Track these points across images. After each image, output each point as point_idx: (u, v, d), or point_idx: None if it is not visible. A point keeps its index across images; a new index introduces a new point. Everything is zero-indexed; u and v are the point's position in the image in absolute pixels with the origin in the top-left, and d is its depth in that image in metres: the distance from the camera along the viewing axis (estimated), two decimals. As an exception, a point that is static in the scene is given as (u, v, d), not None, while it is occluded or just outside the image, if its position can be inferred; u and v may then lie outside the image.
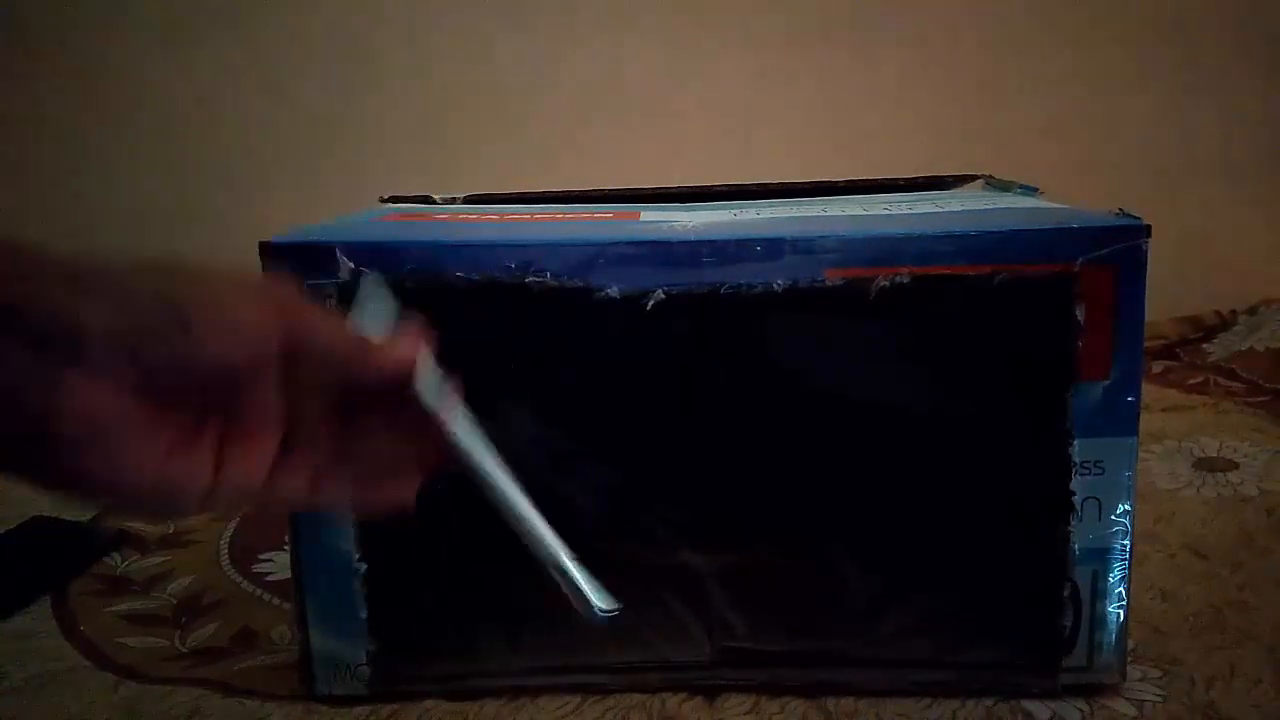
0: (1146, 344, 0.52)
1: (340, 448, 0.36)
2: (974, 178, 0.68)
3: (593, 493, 0.49)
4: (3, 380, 0.29)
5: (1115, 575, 0.48)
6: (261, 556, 0.69)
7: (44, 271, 0.30)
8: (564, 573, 0.38)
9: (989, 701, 0.50)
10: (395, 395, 0.36)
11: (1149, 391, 0.93)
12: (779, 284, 0.46)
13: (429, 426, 0.37)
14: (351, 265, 0.46)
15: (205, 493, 0.33)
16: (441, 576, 0.51)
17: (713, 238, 0.47)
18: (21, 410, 0.29)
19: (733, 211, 0.56)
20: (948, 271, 0.46)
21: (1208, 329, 1.17)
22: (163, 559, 0.71)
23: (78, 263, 0.31)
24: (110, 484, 0.31)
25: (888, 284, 0.46)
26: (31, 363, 0.29)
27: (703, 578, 0.50)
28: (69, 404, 0.29)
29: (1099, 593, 0.49)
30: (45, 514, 0.76)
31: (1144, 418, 0.47)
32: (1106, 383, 0.46)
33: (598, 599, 0.38)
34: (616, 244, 0.46)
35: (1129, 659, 0.51)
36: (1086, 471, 0.47)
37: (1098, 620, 0.49)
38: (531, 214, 0.57)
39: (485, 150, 1.21)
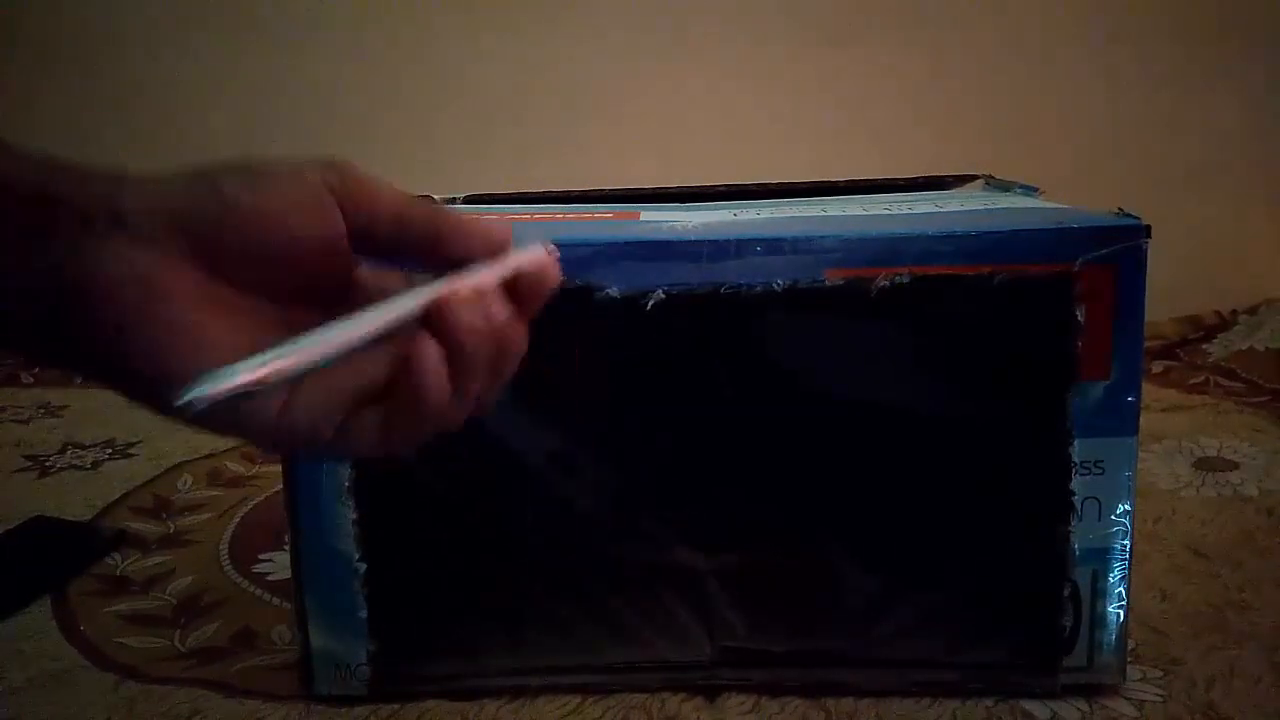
0: (1146, 344, 0.52)
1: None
2: (974, 178, 0.68)
3: (593, 492, 0.49)
4: (51, 257, 0.28)
5: (1115, 575, 0.48)
6: (261, 556, 0.69)
7: (82, 171, 0.30)
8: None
9: (989, 701, 0.50)
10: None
11: (1149, 391, 0.93)
12: (779, 284, 0.46)
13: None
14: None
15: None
16: (441, 576, 0.51)
17: (713, 238, 0.47)
18: (75, 287, 0.28)
19: (733, 211, 0.56)
20: (948, 271, 0.46)
21: (1208, 329, 1.17)
22: (163, 559, 0.71)
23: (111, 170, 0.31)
24: (185, 366, 0.28)
25: (888, 284, 0.46)
26: (77, 236, 0.28)
27: (703, 578, 0.50)
28: (116, 269, 0.28)
29: (1099, 593, 0.49)
30: (45, 514, 0.76)
31: (1144, 418, 0.47)
32: (1106, 383, 0.46)
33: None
34: (616, 244, 0.46)
35: (1129, 659, 0.51)
36: (1086, 471, 0.47)
37: (1098, 620, 0.49)
38: (531, 214, 0.57)
39: (485, 150, 1.21)
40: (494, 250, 0.33)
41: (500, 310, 0.32)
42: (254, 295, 0.31)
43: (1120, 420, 0.47)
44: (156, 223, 0.29)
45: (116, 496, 0.82)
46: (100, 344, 0.29)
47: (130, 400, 0.30)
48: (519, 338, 0.33)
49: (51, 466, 0.90)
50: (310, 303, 0.32)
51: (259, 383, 0.28)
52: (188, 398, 0.27)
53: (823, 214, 0.55)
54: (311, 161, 0.32)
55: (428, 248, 0.33)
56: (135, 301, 0.29)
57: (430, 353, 0.31)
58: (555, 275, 0.34)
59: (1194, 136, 1.21)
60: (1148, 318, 0.46)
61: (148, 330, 0.29)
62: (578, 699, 0.51)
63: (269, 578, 0.66)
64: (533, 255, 0.33)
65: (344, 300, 0.32)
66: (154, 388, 0.29)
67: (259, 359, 0.28)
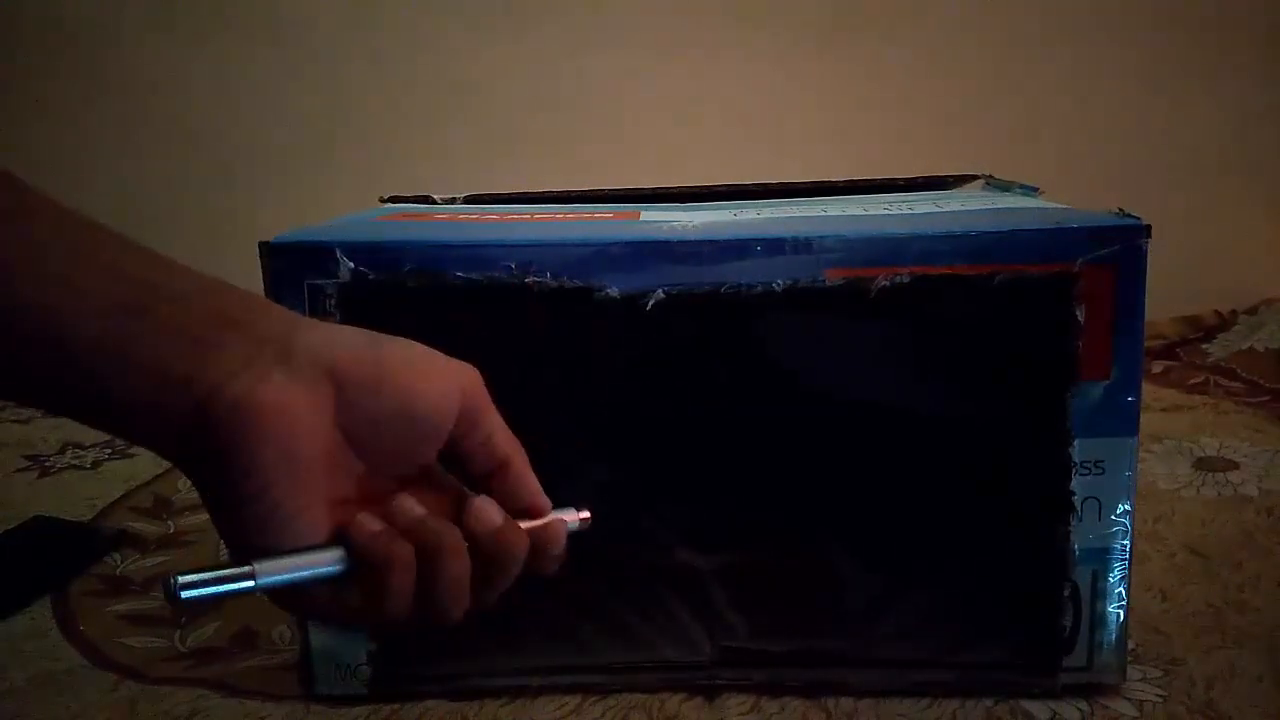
0: (1146, 344, 0.52)
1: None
2: (974, 178, 0.68)
3: (593, 492, 0.49)
4: (220, 367, 0.30)
5: (1115, 575, 0.48)
6: (261, 556, 0.69)
7: (260, 303, 0.33)
8: None
9: (989, 701, 0.50)
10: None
11: (1149, 391, 0.93)
12: (779, 284, 0.46)
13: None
14: (351, 265, 0.46)
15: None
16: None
17: (713, 238, 0.47)
18: (229, 395, 0.30)
19: (733, 211, 0.56)
20: (948, 271, 0.46)
21: (1208, 329, 1.17)
22: (163, 559, 0.71)
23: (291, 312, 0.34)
24: (281, 512, 0.31)
25: (888, 284, 0.46)
26: (246, 357, 0.31)
27: (703, 578, 0.50)
28: (270, 399, 0.30)
29: (1099, 593, 0.49)
30: (45, 514, 0.76)
31: (1144, 418, 0.47)
32: (1106, 383, 0.46)
33: None
34: (616, 244, 0.46)
35: (1129, 659, 0.51)
36: (1086, 471, 0.47)
37: (1098, 620, 0.49)
38: (531, 214, 0.57)
39: (485, 150, 1.21)
40: (528, 508, 0.36)
41: (494, 517, 0.35)
42: (361, 458, 0.33)
43: (1120, 420, 0.47)
44: (319, 369, 0.32)
45: (116, 496, 0.82)
46: (225, 457, 0.30)
47: (206, 504, 0.32)
48: (512, 549, 0.35)
49: (51, 466, 0.90)
50: (391, 477, 0.34)
51: (240, 591, 0.31)
52: (177, 588, 0.30)
53: (823, 214, 0.55)
54: (459, 363, 0.35)
55: (487, 477, 0.36)
56: (278, 433, 0.30)
57: (403, 561, 0.33)
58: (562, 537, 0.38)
59: (1194, 136, 1.22)
60: (1148, 318, 0.46)
61: (276, 462, 0.31)
62: (578, 699, 0.51)
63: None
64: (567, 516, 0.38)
65: (412, 482, 0.35)
66: (242, 507, 0.31)
67: (247, 569, 0.31)
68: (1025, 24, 1.20)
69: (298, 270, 0.46)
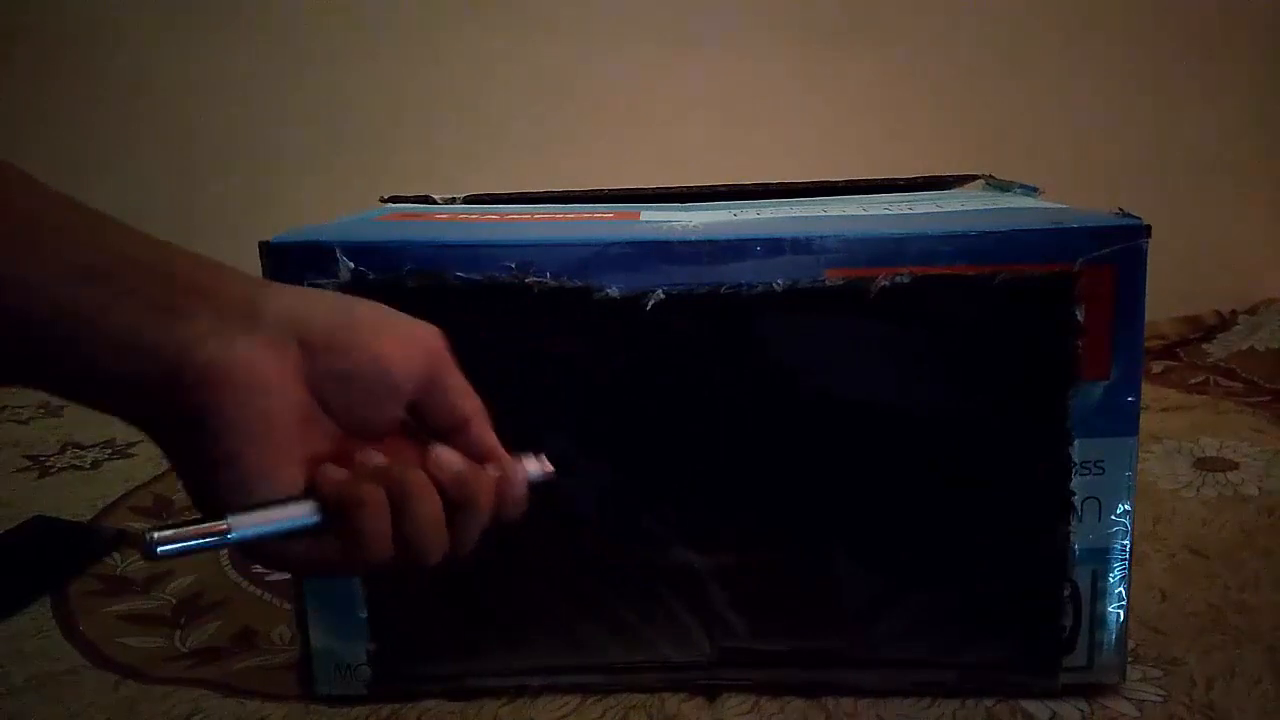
0: (1146, 344, 0.52)
1: None
2: (974, 178, 0.68)
3: (593, 493, 0.49)
4: (188, 332, 0.30)
5: (1115, 575, 0.48)
6: (261, 556, 0.69)
7: (227, 271, 0.33)
8: None
9: (989, 701, 0.50)
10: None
11: (1149, 391, 0.93)
12: (779, 284, 0.46)
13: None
14: (351, 265, 0.46)
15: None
16: (441, 576, 0.51)
17: (713, 238, 0.47)
18: (199, 359, 0.30)
19: (733, 211, 0.56)
20: (948, 271, 0.46)
21: (1208, 329, 1.17)
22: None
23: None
24: (255, 473, 0.31)
25: (888, 284, 0.46)
26: (214, 322, 0.31)
27: (703, 578, 0.50)
28: (239, 362, 0.31)
29: (1099, 593, 0.49)
30: (45, 514, 0.76)
31: (1144, 418, 0.47)
32: (1106, 383, 0.46)
33: None
34: (616, 244, 0.46)
35: (1129, 659, 0.51)
36: (1086, 471, 0.47)
37: (1098, 620, 0.49)
38: (531, 214, 0.57)
39: (485, 150, 1.21)
40: (488, 461, 0.37)
41: (454, 460, 0.36)
42: (331, 417, 0.34)
43: (1120, 420, 0.47)
44: (288, 332, 0.32)
45: (116, 496, 0.82)
46: (196, 422, 0.31)
47: (177, 470, 0.33)
48: (480, 491, 0.36)
49: (51, 466, 0.90)
50: (361, 435, 0.35)
51: (216, 544, 0.31)
52: (153, 544, 0.31)
53: (823, 214, 0.55)
54: (423, 324, 0.36)
55: (450, 433, 0.37)
56: (249, 394, 0.31)
57: (377, 501, 0.33)
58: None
59: (1193, 136, 1.22)
60: (1148, 318, 0.46)
61: (248, 424, 0.31)
62: (578, 699, 0.51)
63: (269, 578, 0.66)
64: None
65: (380, 440, 0.35)
66: (216, 471, 0.31)
67: (222, 523, 0.31)
68: (1026, 24, 1.20)
69: (298, 270, 0.46)
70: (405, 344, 0.35)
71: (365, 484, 0.33)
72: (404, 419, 0.36)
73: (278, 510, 0.32)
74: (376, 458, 0.35)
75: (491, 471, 0.37)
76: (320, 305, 0.34)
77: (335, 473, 0.33)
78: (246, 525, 0.32)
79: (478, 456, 0.37)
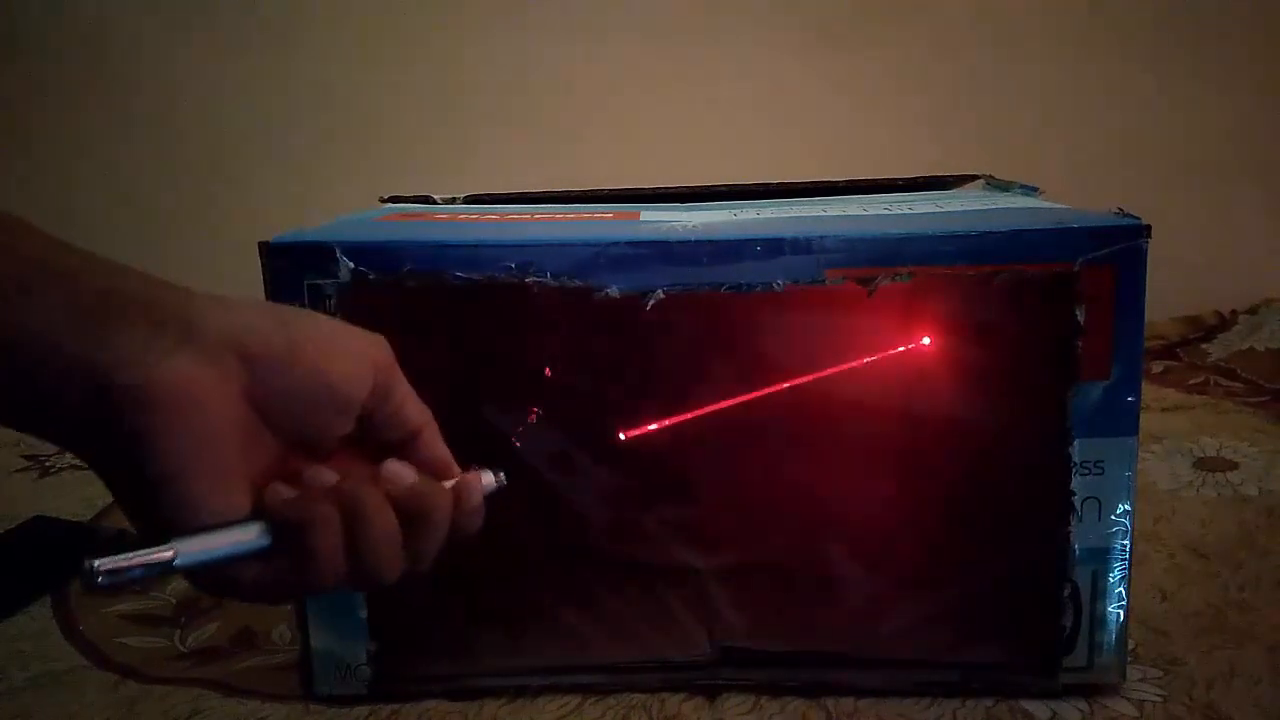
0: (1146, 344, 0.52)
1: None
2: (974, 178, 0.68)
3: (593, 493, 0.49)
4: (116, 349, 0.29)
5: (1115, 575, 0.48)
6: (261, 556, 0.69)
7: (162, 284, 0.31)
8: None
9: (989, 701, 0.50)
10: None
11: (1149, 391, 0.93)
12: (779, 284, 0.46)
13: None
14: (351, 265, 0.46)
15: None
16: (442, 576, 0.51)
17: (713, 238, 0.47)
18: (131, 377, 0.29)
19: (733, 211, 0.56)
20: (948, 271, 0.46)
21: (1208, 329, 1.17)
22: (163, 559, 0.71)
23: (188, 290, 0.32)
24: (198, 495, 0.30)
25: (888, 284, 0.46)
26: (147, 338, 0.29)
27: (703, 578, 0.50)
28: (174, 378, 0.29)
29: (1099, 593, 0.49)
30: (45, 514, 0.76)
31: (1144, 418, 0.47)
32: (1106, 383, 0.46)
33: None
34: (616, 244, 0.46)
35: (1129, 659, 0.51)
36: (1086, 471, 0.47)
37: (1098, 620, 0.49)
38: (531, 214, 0.57)
39: (485, 150, 1.21)
40: (439, 473, 0.36)
41: (407, 474, 0.35)
42: (277, 434, 0.33)
43: (1120, 420, 0.47)
44: (226, 348, 0.31)
45: (116, 496, 0.82)
46: (131, 445, 0.29)
47: (116, 497, 0.31)
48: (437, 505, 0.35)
49: (51, 466, 0.90)
50: (309, 452, 0.34)
51: (160, 572, 0.30)
52: (95, 573, 0.29)
53: (823, 214, 0.55)
54: (369, 336, 0.35)
55: (400, 446, 0.36)
56: (186, 414, 0.30)
57: (329, 521, 0.32)
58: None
59: (1193, 136, 1.21)
60: (1148, 318, 0.46)
61: (186, 445, 0.30)
62: (578, 699, 0.51)
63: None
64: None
65: (329, 456, 0.34)
66: (156, 495, 0.30)
67: (167, 551, 0.30)
68: (1026, 24, 1.20)
69: (298, 270, 0.46)
70: (351, 358, 0.34)
71: (316, 502, 0.32)
72: (352, 433, 0.35)
73: (224, 534, 0.31)
74: (327, 475, 0.34)
75: (445, 484, 0.36)
76: (261, 319, 0.32)
77: (284, 491, 0.32)
78: (192, 550, 0.30)
79: (429, 468, 0.36)
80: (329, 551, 0.32)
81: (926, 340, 0.48)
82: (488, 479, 0.38)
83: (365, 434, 0.35)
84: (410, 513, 0.34)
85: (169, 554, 0.30)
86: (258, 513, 0.32)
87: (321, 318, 0.34)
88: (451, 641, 0.52)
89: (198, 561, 0.31)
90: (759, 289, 0.46)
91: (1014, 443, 0.48)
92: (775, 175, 0.69)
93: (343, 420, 0.34)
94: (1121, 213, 0.47)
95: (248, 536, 0.31)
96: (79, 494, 0.82)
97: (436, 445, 0.36)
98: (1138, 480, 0.48)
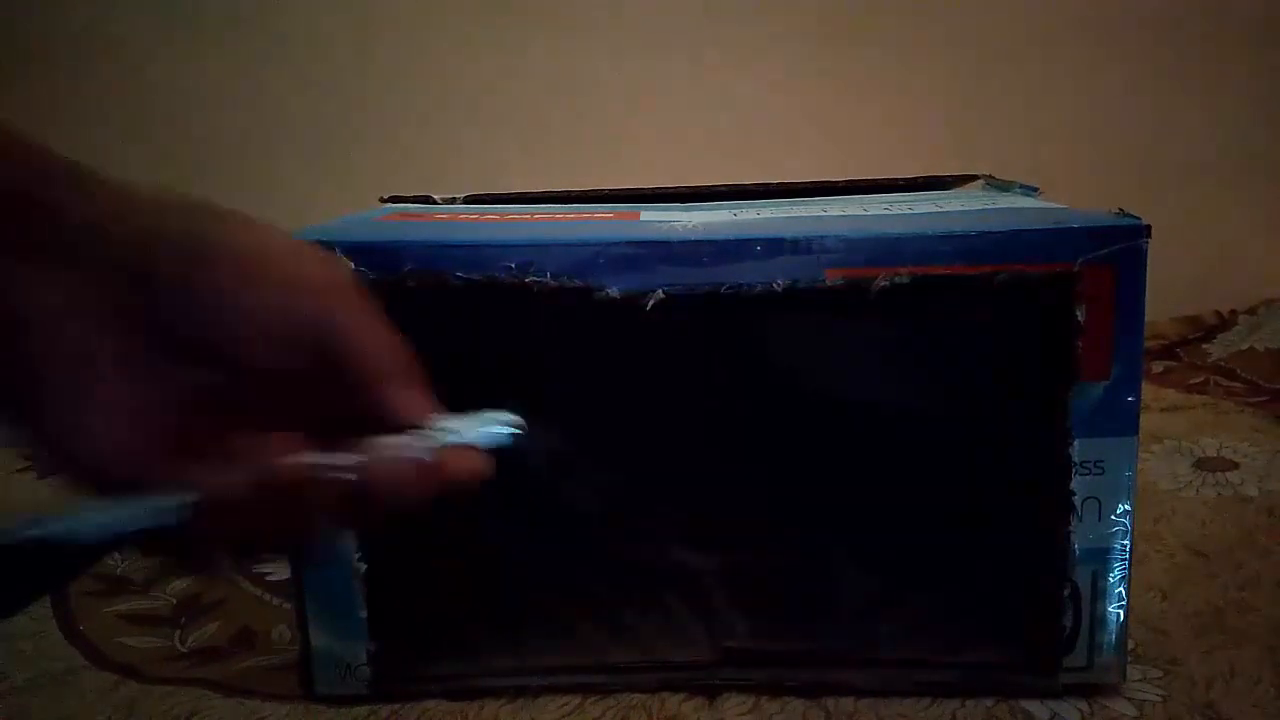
0: (1146, 344, 0.52)
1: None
2: (974, 178, 0.68)
3: (593, 493, 0.49)
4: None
5: (1115, 575, 0.48)
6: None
7: (43, 166, 0.27)
8: None
9: (989, 701, 0.50)
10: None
11: (1149, 391, 0.93)
12: (779, 284, 0.46)
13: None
14: (351, 265, 0.46)
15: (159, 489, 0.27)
16: (442, 576, 0.51)
17: (713, 238, 0.47)
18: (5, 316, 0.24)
19: (733, 211, 0.56)
20: (948, 271, 0.46)
21: (1208, 329, 1.17)
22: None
23: (96, 175, 0.27)
24: (65, 430, 0.26)
25: (888, 284, 0.46)
26: (21, 255, 0.24)
27: (703, 578, 0.50)
28: (38, 303, 0.24)
29: (1099, 593, 0.49)
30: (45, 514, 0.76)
31: (1144, 418, 0.47)
32: (1106, 383, 0.46)
33: None
34: (616, 244, 0.46)
35: (1129, 659, 0.51)
36: (1086, 471, 0.47)
37: (1098, 620, 0.49)
38: (531, 214, 0.57)
39: (486, 150, 1.21)
40: (409, 409, 0.29)
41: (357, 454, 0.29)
42: (198, 389, 0.27)
43: (1120, 420, 0.47)
44: (107, 265, 0.25)
45: (116, 496, 0.82)
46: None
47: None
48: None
49: (51, 466, 0.90)
50: (246, 412, 0.28)
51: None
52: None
53: (823, 214, 0.55)
54: (328, 256, 0.28)
55: (356, 396, 0.29)
56: (52, 353, 0.25)
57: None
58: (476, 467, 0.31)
59: (1193, 136, 1.21)
60: (1148, 318, 0.46)
61: (48, 384, 0.25)
62: (578, 699, 0.51)
63: (269, 578, 0.66)
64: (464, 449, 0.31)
65: (266, 414, 0.29)
66: (39, 453, 0.26)
67: (64, 521, 0.27)
68: (1026, 25, 1.20)
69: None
70: (285, 280, 0.27)
71: (241, 480, 0.27)
72: (297, 389, 0.28)
73: (121, 509, 0.27)
74: (260, 442, 0.28)
75: (418, 444, 0.29)
76: (175, 225, 0.26)
77: (208, 465, 0.27)
78: (78, 525, 0.26)
79: (398, 424, 0.29)
80: (247, 535, 0.28)
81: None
82: (489, 427, 0.32)
83: (316, 384, 0.29)
84: (354, 492, 0.28)
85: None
86: (174, 485, 0.27)
87: (257, 225, 0.28)
88: (452, 641, 0.52)
89: (84, 538, 0.27)
90: (759, 289, 0.46)
91: (1014, 443, 0.48)
92: (775, 175, 0.69)
93: (273, 357, 0.27)
94: (1121, 213, 0.47)
95: (153, 511, 0.27)
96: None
97: (410, 396, 0.30)
98: (1138, 480, 0.48)
